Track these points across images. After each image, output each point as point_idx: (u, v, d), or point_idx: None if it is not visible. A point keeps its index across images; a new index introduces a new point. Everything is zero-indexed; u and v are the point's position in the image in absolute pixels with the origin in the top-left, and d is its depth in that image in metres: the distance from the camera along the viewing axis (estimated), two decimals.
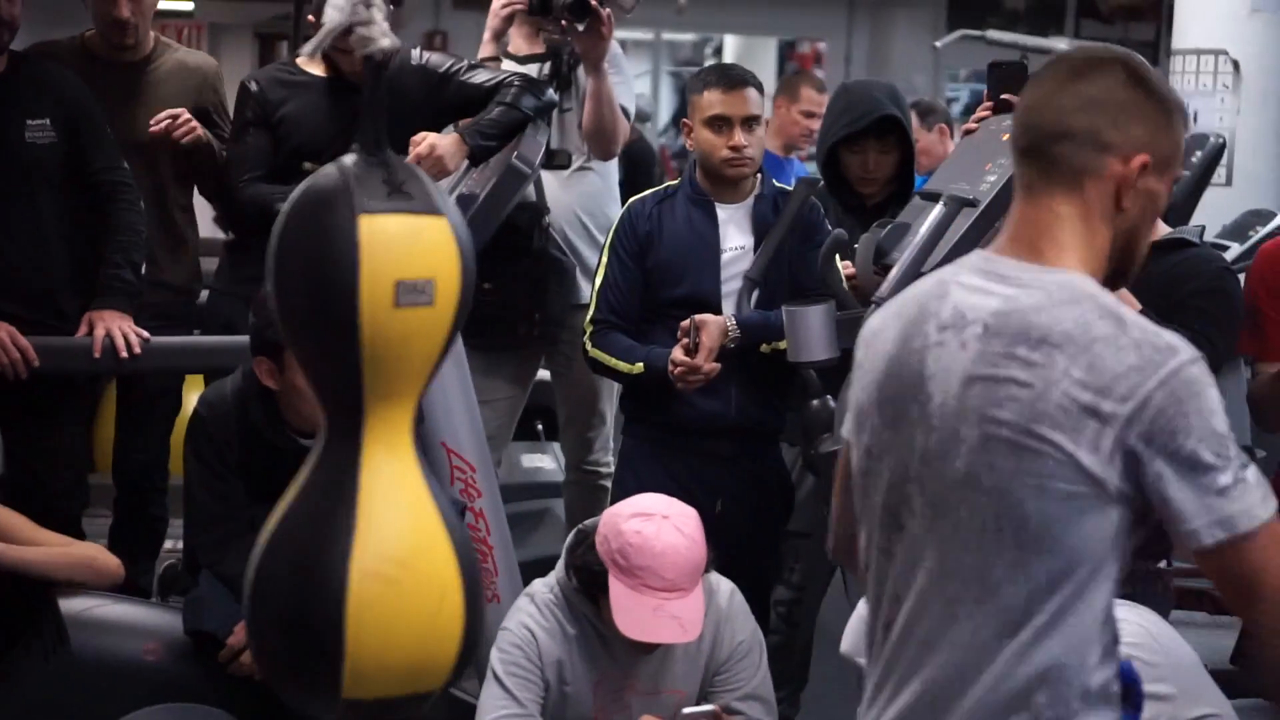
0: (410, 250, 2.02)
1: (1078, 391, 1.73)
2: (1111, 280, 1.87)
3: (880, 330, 1.91)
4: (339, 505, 2.02)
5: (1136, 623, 2.77)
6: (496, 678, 3.12)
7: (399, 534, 2.04)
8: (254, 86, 4.15)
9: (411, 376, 2.07)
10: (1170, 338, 1.77)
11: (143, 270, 3.94)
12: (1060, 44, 7.13)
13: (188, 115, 4.18)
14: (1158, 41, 8.45)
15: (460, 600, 2.06)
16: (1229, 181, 6.18)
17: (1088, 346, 1.74)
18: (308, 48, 2.40)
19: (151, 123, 4.15)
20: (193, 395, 3.77)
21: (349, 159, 2.08)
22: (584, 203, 4.45)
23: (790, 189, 3.94)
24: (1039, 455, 1.74)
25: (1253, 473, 1.75)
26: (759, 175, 3.93)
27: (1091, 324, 1.76)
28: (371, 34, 2.10)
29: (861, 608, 2.01)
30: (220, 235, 4.81)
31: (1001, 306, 1.80)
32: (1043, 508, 1.74)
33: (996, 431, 1.76)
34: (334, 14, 2.13)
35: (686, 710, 3.06)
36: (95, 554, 3.43)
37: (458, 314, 2.07)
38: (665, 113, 10.01)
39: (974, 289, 1.83)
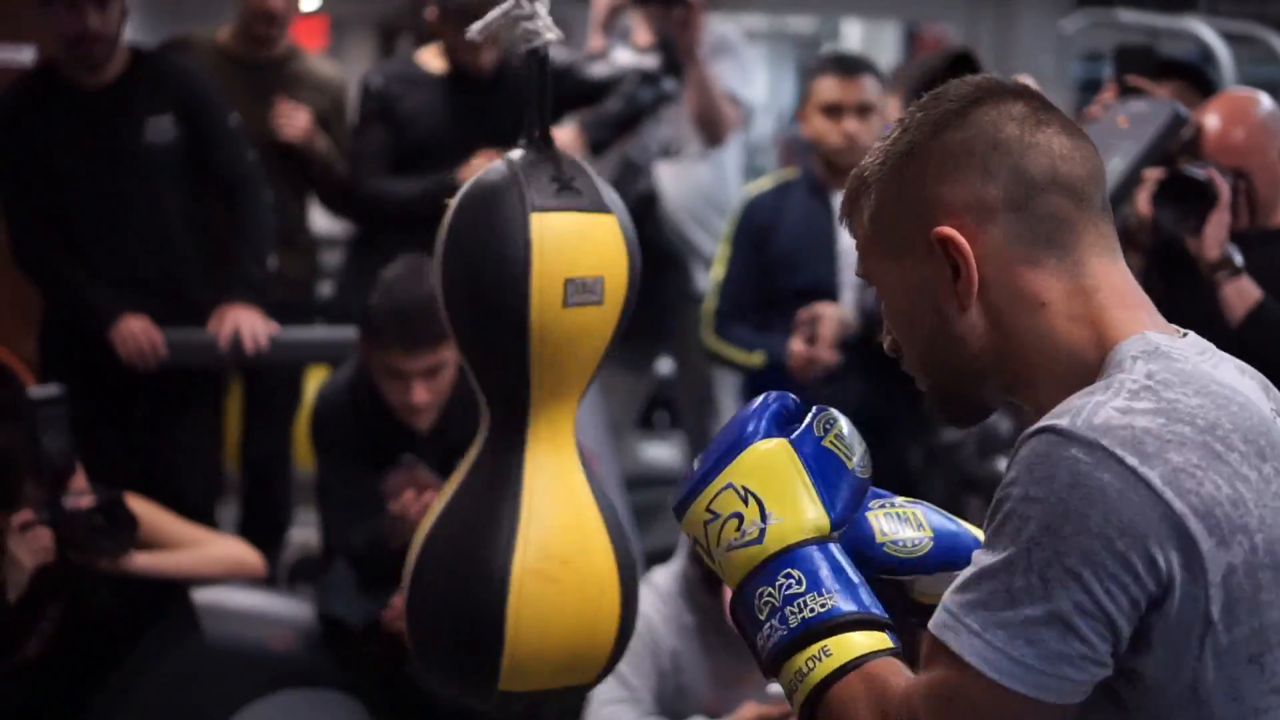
0: (580, 248, 1.99)
1: None
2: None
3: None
4: (503, 501, 2.01)
5: None
6: None
7: (562, 531, 2.03)
8: (375, 83, 4.20)
9: (578, 374, 2.05)
10: None
11: (269, 263, 4.00)
12: (1194, 24, 6.96)
13: (305, 117, 4.25)
14: None
15: (617, 598, 2.06)
16: None
17: None
18: (475, 29, 2.26)
19: (276, 116, 4.23)
20: (314, 386, 3.83)
21: (516, 154, 2.04)
22: (697, 192, 4.46)
23: None
24: None
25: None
26: None
27: None
28: (535, 27, 2.06)
29: None
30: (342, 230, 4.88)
31: None
32: None
33: None
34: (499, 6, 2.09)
35: (774, 687, 3.04)
36: (240, 553, 3.47)
37: (624, 311, 2.04)
38: (789, 102, 9.94)
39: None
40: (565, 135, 3.97)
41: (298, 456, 4.53)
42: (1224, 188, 3.00)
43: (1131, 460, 1.24)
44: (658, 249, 4.30)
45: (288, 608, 3.54)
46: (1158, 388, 1.29)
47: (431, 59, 4.17)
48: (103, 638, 3.23)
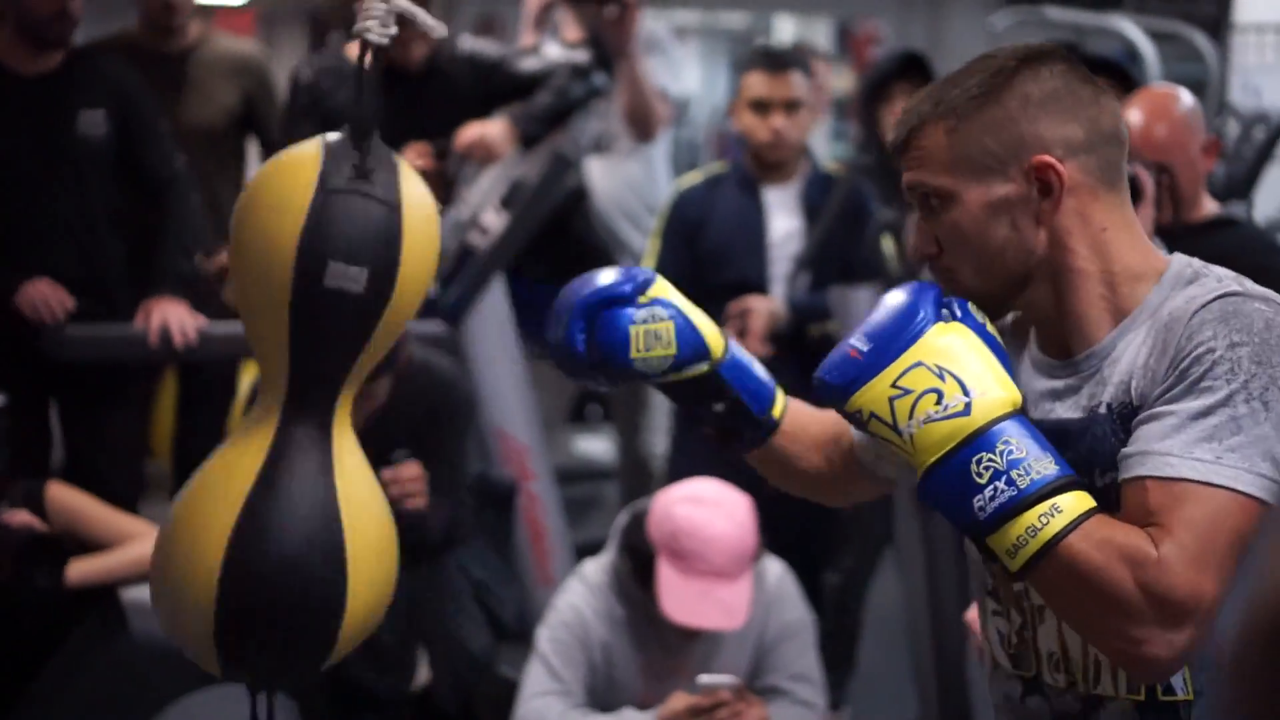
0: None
1: None
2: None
3: None
4: (323, 477, 1.98)
5: None
6: (542, 656, 3.14)
7: (367, 499, 2.02)
8: (305, 76, 4.18)
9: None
10: None
11: (196, 260, 3.98)
12: (1120, 22, 7.04)
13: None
14: (1221, 17, 8.33)
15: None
16: None
17: None
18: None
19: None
20: (249, 380, 3.81)
21: (333, 137, 2.03)
22: (626, 188, 4.47)
23: (837, 171, 3.94)
24: None
25: None
26: (807, 158, 3.93)
27: None
28: (374, 23, 2.06)
29: None
30: None
31: None
32: None
33: None
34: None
35: (704, 678, 3.06)
36: None
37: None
38: (722, 97, 9.97)
39: None
40: (496, 130, 3.97)
41: None
42: (1148, 183, 3.04)
43: None
44: (587, 244, 4.30)
45: None
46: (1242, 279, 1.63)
47: None
48: (30, 636, 3.20)
